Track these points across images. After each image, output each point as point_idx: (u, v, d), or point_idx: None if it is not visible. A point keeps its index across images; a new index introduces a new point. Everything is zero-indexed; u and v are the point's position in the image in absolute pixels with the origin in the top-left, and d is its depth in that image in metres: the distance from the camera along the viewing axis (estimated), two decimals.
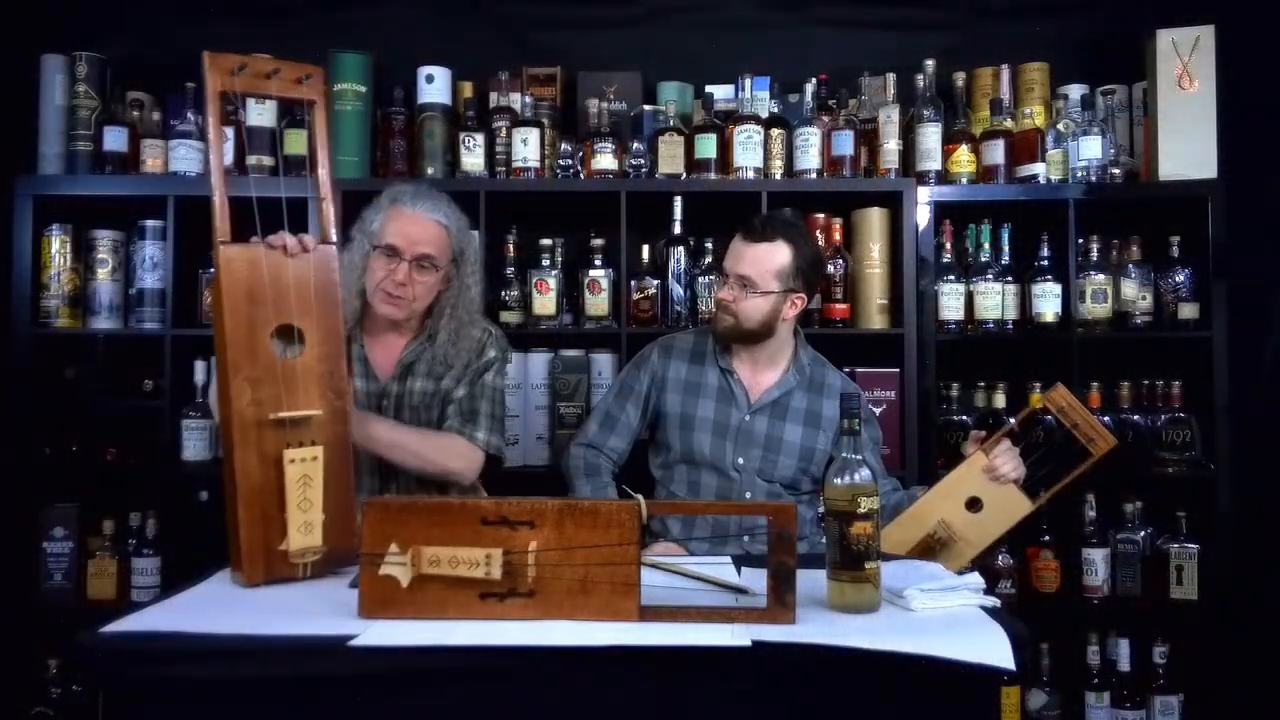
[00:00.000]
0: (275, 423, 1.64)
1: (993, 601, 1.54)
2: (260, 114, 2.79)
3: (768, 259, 2.18)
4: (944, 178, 2.81)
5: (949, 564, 1.98)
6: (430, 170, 2.82)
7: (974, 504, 2.06)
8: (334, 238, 1.79)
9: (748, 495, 2.22)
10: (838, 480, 1.50)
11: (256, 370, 1.64)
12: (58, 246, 2.75)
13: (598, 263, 2.77)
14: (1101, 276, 2.78)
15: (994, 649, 1.30)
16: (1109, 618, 2.72)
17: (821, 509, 2.10)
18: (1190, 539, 2.67)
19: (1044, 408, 2.07)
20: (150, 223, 2.77)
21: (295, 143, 2.78)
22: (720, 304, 2.24)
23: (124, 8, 3.04)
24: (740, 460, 2.24)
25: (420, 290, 2.13)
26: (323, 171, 1.80)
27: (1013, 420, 2.13)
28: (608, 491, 2.22)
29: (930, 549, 2.04)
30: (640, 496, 1.44)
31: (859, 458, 1.52)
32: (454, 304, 2.19)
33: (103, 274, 2.79)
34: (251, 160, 2.78)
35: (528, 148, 2.78)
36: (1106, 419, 2.71)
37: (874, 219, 2.81)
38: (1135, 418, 2.76)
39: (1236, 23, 2.79)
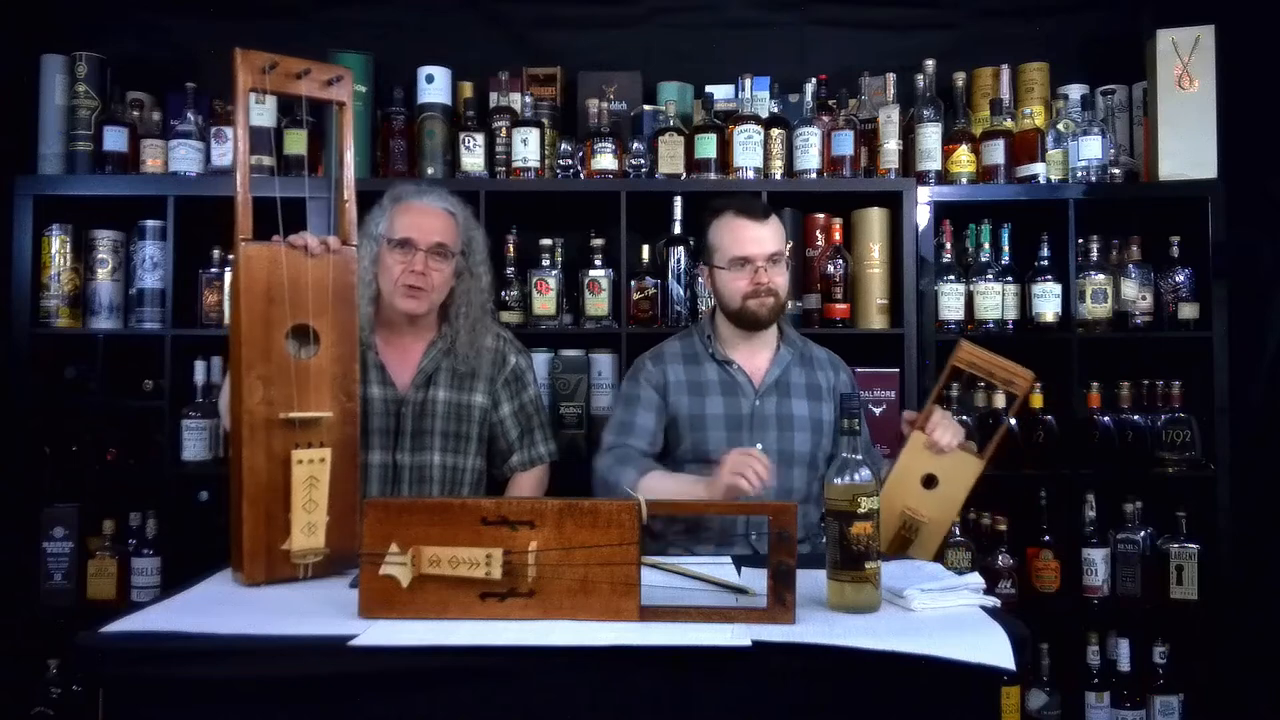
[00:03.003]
0: (285, 422, 1.64)
1: (993, 601, 1.54)
2: (260, 114, 2.78)
3: (780, 230, 2.23)
4: (944, 178, 2.81)
5: (924, 548, 2.00)
6: (430, 170, 2.82)
7: (929, 481, 2.05)
8: (354, 240, 1.78)
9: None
10: (838, 480, 1.50)
11: (269, 369, 1.64)
12: (58, 246, 2.75)
13: (598, 263, 2.77)
14: (1101, 276, 2.78)
15: (994, 649, 1.30)
16: (1109, 618, 2.71)
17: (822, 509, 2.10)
18: (1190, 539, 2.67)
19: (956, 367, 2.08)
20: (150, 223, 2.76)
21: (295, 143, 2.78)
22: (762, 289, 2.16)
23: (124, 8, 3.04)
24: (759, 446, 2.17)
25: (438, 280, 2.14)
26: (347, 172, 1.79)
27: (934, 390, 2.12)
28: (652, 469, 2.12)
29: (906, 541, 2.03)
30: (640, 496, 1.44)
31: (859, 458, 1.52)
32: (467, 297, 2.20)
33: (103, 274, 2.79)
34: (251, 160, 2.77)
35: (528, 148, 2.78)
36: (1107, 419, 2.72)
37: (874, 219, 2.81)
38: (1135, 418, 2.76)
39: (1236, 23, 2.78)
